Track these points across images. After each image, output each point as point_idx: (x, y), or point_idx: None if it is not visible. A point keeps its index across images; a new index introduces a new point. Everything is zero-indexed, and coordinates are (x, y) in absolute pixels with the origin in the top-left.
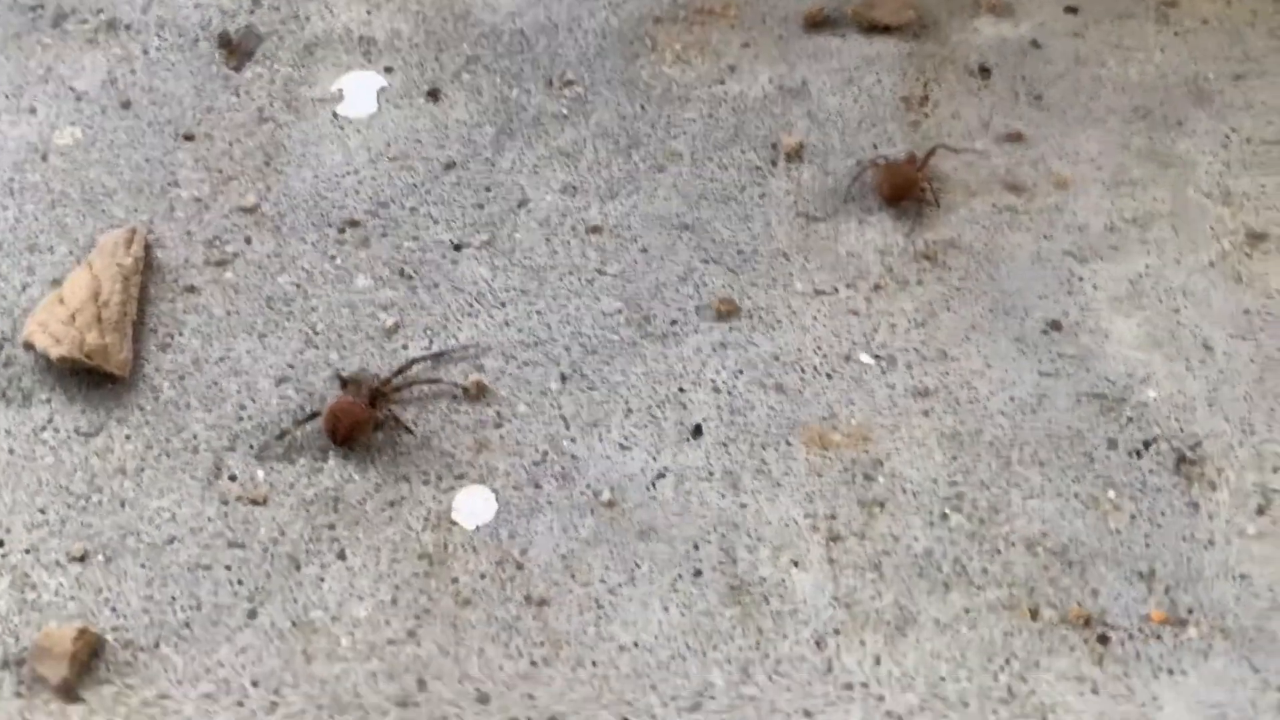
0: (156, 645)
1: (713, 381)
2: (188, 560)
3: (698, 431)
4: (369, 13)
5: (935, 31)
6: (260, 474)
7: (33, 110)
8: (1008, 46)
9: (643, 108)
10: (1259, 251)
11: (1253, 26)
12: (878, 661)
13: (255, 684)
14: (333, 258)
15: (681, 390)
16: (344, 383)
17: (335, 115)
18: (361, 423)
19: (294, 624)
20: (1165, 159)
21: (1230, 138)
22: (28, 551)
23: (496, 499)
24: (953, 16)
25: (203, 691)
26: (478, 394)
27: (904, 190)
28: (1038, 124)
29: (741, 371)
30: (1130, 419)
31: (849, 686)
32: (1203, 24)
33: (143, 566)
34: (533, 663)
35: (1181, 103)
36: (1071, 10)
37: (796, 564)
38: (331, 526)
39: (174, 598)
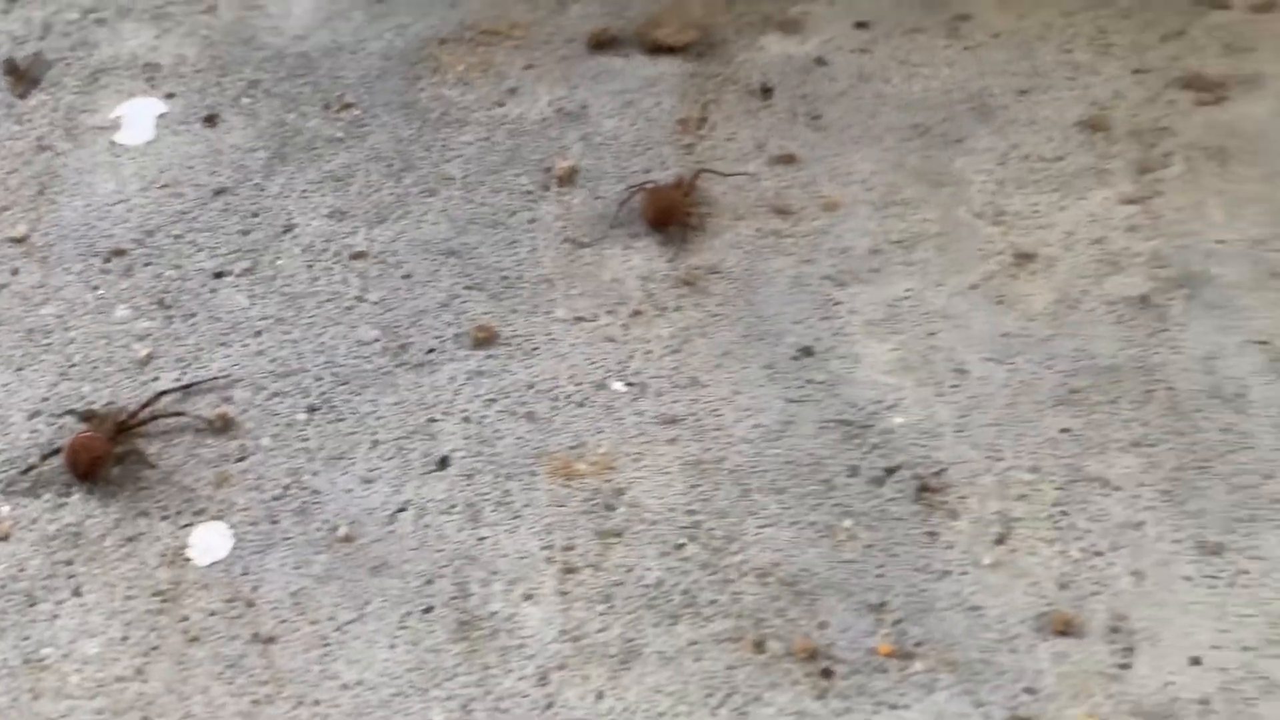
0: None
1: (464, 411)
2: None
3: (444, 463)
4: (157, 38)
5: (721, 50)
6: (5, 509)
7: None
8: (792, 65)
9: (420, 130)
10: (1025, 272)
11: (1044, 40)
12: (599, 697)
13: None
14: (95, 288)
15: (432, 421)
16: (85, 417)
17: (113, 143)
18: (100, 458)
19: (25, 661)
20: (939, 178)
21: (1009, 155)
22: None
23: (233, 535)
24: (740, 34)
25: None
26: (224, 427)
27: (668, 215)
28: (813, 145)
29: (494, 400)
30: (874, 446)
31: None
32: (994, 38)
33: None
34: (255, 701)
35: (963, 119)
36: (862, 25)
37: (529, 597)
38: (70, 562)
39: None
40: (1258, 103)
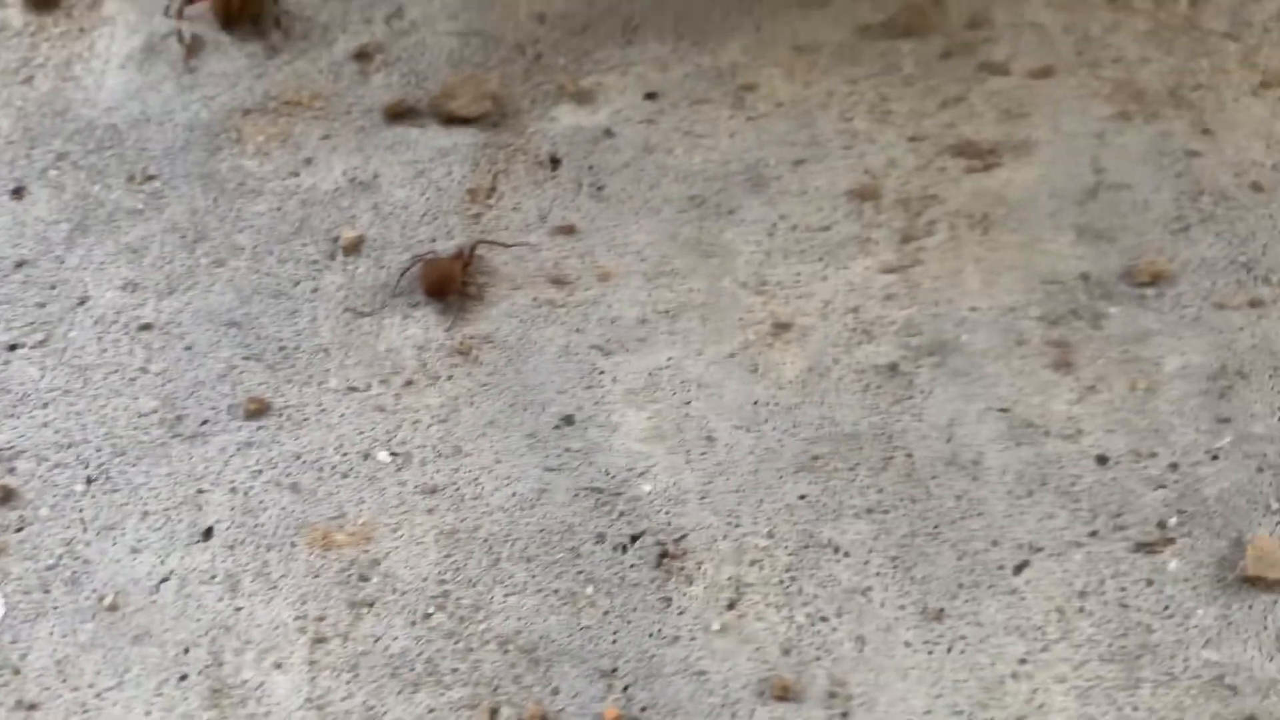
0: None
1: (232, 482)
2: None
3: (208, 534)
4: None
5: (514, 121)
6: None
7: None
8: (581, 135)
9: (216, 201)
10: (781, 341)
11: (826, 108)
12: None
13: None
14: None
15: (200, 492)
16: None
17: None
18: None
19: None
20: (710, 249)
21: (778, 225)
22: None
23: (4, 603)
24: (534, 105)
25: None
26: (4, 498)
27: (444, 285)
28: (594, 216)
29: (261, 471)
30: (622, 513)
31: None
32: (776, 107)
33: None
34: None
35: (738, 190)
36: (651, 96)
37: (278, 666)
38: None
39: None
40: (1026, 169)
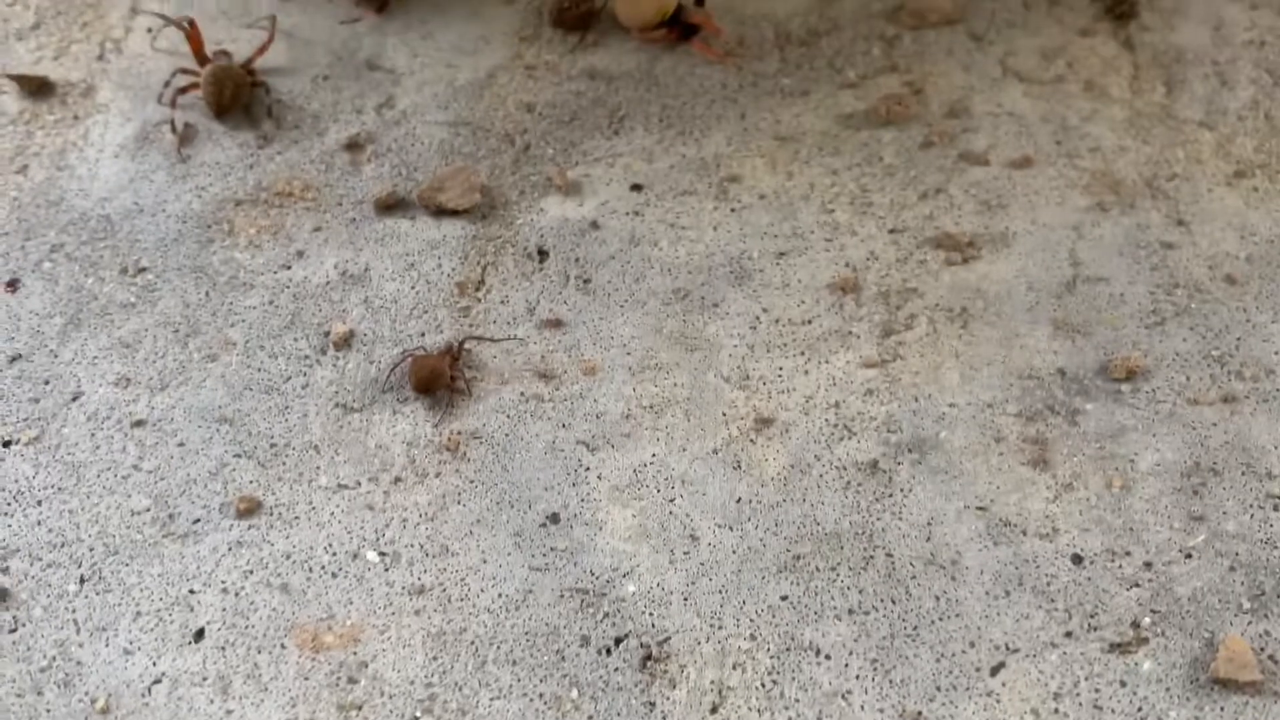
0: None
1: (223, 583)
2: None
3: (200, 635)
4: None
5: (503, 213)
6: None
7: None
8: (569, 228)
9: (208, 294)
10: (763, 437)
11: (808, 200)
12: None
13: None
14: None
15: (192, 592)
16: None
17: None
18: None
19: None
20: (694, 342)
21: (760, 318)
22: None
23: None
24: (522, 196)
25: None
26: None
27: (431, 382)
28: (580, 308)
29: (252, 571)
30: (607, 614)
31: None
32: (760, 199)
33: None
34: None
35: (721, 283)
36: (637, 188)
37: None
38: None
39: None
40: (1004, 262)
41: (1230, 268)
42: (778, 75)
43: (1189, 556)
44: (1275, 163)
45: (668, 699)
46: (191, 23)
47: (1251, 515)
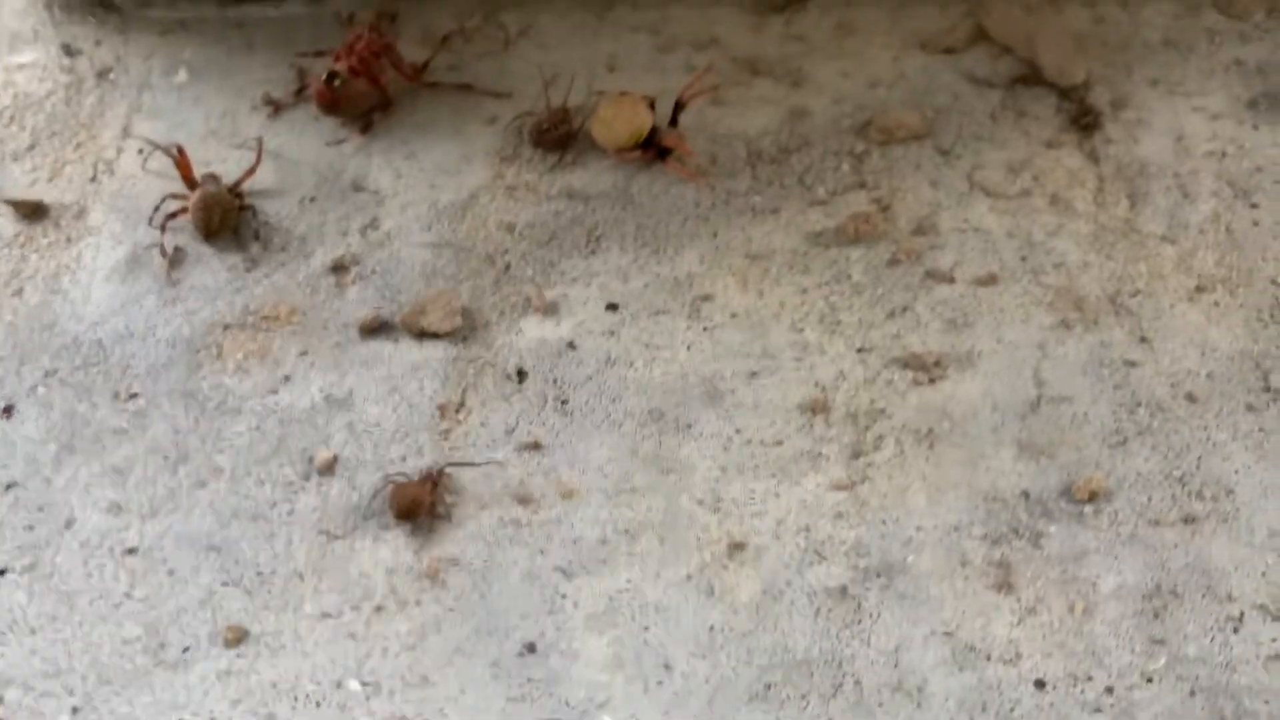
0: None
1: (211, 712)
2: None
3: None
4: None
5: (483, 334)
6: None
7: None
8: (546, 348)
9: (197, 420)
10: (735, 562)
11: (778, 319)
12: None
13: None
14: None
15: None
16: None
17: None
18: None
19: None
20: (668, 464)
21: (733, 439)
22: None
23: None
24: (502, 317)
25: None
26: None
27: (411, 509)
28: (558, 430)
29: (240, 700)
30: None
31: None
32: (731, 318)
33: None
34: None
35: (694, 404)
36: (612, 308)
37: None
38: None
39: None
40: (970, 382)
41: (1191, 385)
42: (749, 193)
43: (1150, 681)
44: (1235, 276)
45: None
46: (180, 149)
47: (1211, 639)
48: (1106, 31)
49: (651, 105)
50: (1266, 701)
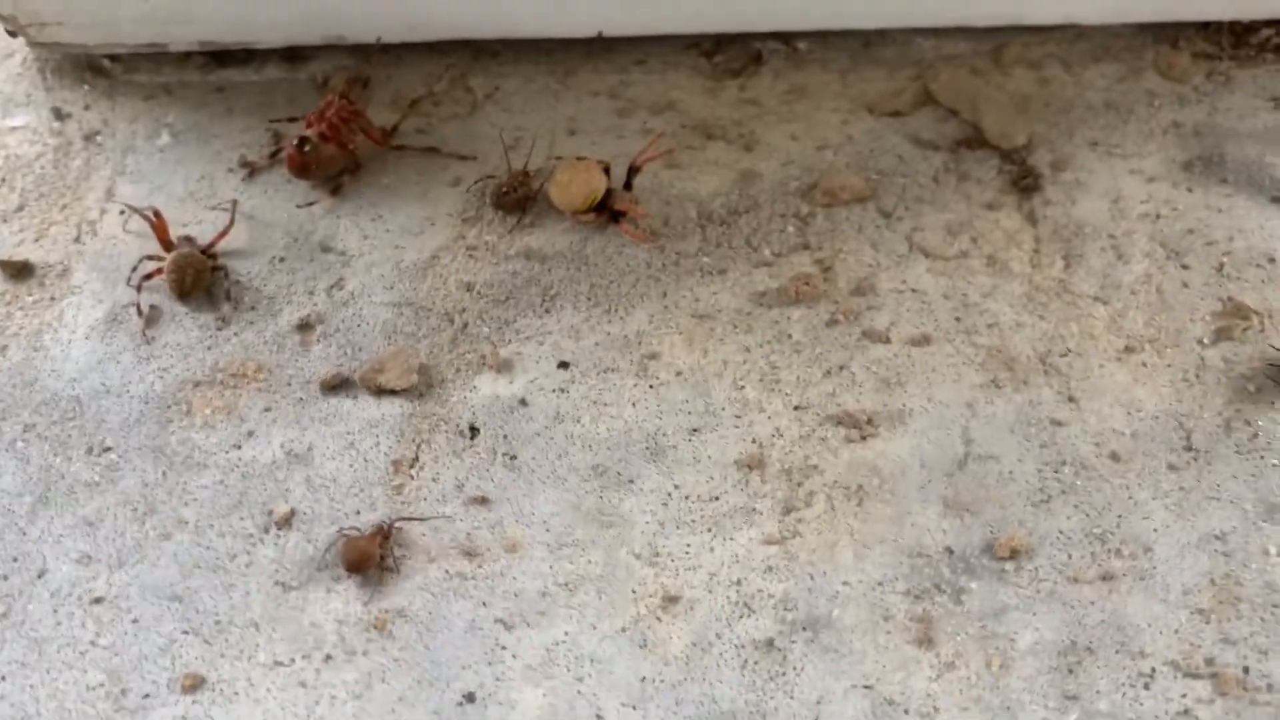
0: None
1: None
2: None
3: None
4: None
5: (439, 391)
6: None
7: None
8: (499, 404)
9: (165, 474)
10: (669, 615)
11: (721, 376)
12: None
13: None
14: None
15: None
16: None
17: None
18: None
19: None
20: (609, 519)
21: (672, 495)
22: None
23: None
24: (457, 375)
25: None
26: None
27: (361, 563)
28: (506, 485)
29: None
30: None
31: None
32: (676, 376)
33: None
34: None
35: (637, 460)
36: (564, 365)
37: None
38: None
39: None
40: (900, 440)
41: (1116, 444)
42: (698, 254)
43: None
44: (1164, 337)
45: None
46: (157, 213)
47: (1123, 694)
48: (1050, 94)
49: (607, 169)
50: None
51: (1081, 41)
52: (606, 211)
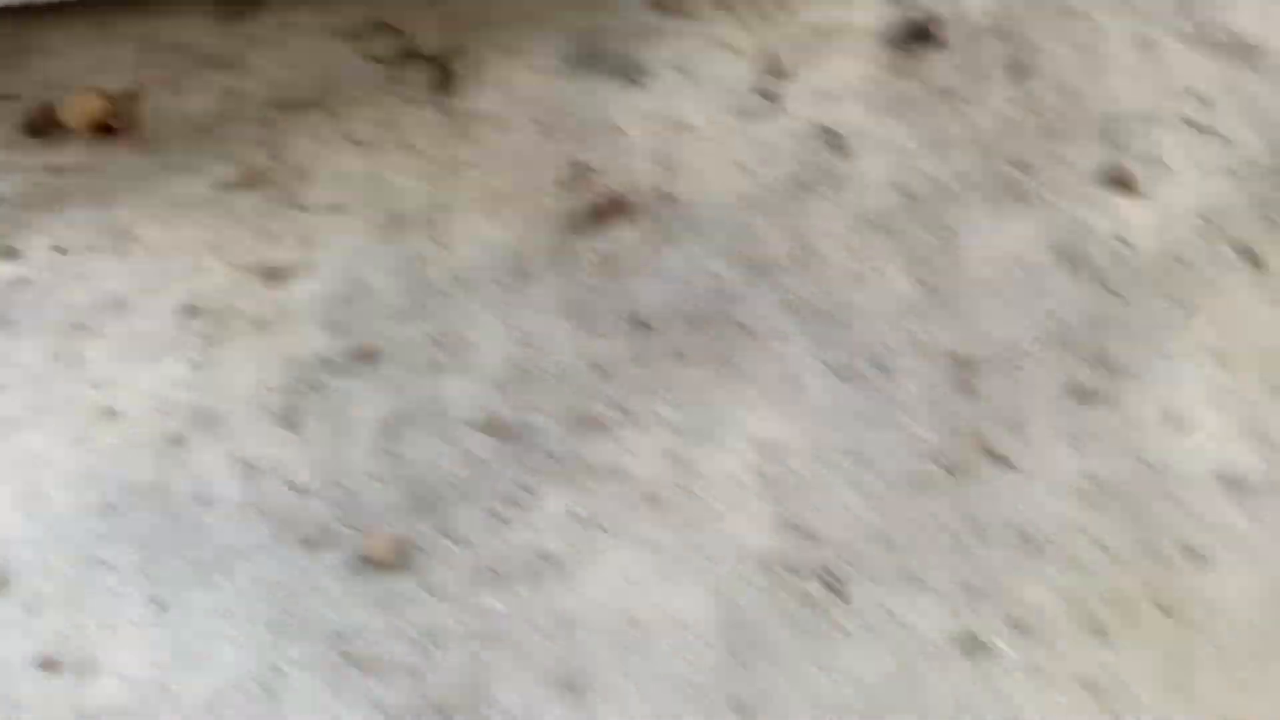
0: None
1: None
2: None
3: None
4: None
5: None
6: None
7: None
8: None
9: None
10: (106, 421)
11: (180, 249)
12: None
13: None
14: None
15: None
16: None
17: None
18: None
19: None
20: (72, 360)
21: (128, 335)
22: None
23: None
24: None
25: None
26: None
27: None
28: None
29: None
30: None
31: None
32: (145, 250)
33: None
34: None
35: (100, 315)
36: (59, 250)
37: None
38: None
39: None
40: (305, 284)
41: (463, 273)
42: (184, 155)
43: None
44: (520, 192)
45: None
46: None
47: (437, 453)
48: (475, 11)
49: (109, 96)
50: None
51: None
52: (105, 128)
